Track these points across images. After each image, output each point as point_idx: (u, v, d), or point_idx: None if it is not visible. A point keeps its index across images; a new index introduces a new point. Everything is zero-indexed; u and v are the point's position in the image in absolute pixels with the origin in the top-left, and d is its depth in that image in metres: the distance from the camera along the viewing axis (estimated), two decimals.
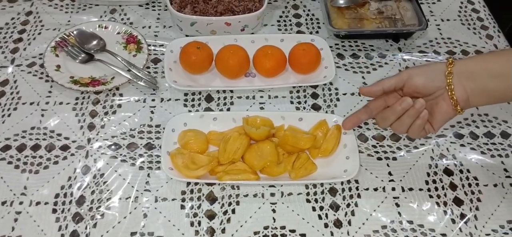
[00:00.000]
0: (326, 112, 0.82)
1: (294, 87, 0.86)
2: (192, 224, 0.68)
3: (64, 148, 0.76)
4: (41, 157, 0.75)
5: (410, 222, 0.70)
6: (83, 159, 0.74)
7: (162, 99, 0.83)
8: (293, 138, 0.74)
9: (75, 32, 0.89)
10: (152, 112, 0.81)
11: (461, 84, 0.63)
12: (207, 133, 0.77)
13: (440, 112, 0.65)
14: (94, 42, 0.88)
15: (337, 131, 0.76)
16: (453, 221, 0.70)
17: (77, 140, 0.77)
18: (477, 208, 0.72)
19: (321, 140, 0.76)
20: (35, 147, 0.76)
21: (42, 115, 0.80)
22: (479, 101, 0.64)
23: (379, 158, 0.77)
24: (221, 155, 0.73)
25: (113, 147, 0.76)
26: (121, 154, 0.75)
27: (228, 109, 0.82)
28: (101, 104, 0.82)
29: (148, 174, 0.73)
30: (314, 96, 0.85)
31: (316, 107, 0.84)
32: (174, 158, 0.72)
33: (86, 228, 0.67)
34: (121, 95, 0.83)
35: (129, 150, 0.76)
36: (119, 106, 0.82)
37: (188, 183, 0.72)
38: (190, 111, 0.81)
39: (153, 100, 0.83)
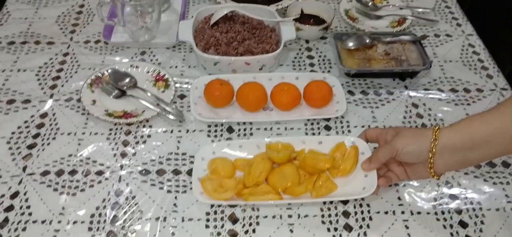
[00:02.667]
0: None
1: (308, 120, 0.93)
2: None
3: (99, 173, 0.83)
4: (78, 181, 0.82)
5: None
6: (116, 182, 0.81)
7: (187, 130, 0.91)
8: (313, 160, 0.80)
9: (109, 71, 0.98)
10: (178, 141, 0.89)
11: (442, 159, 0.69)
12: (233, 160, 0.84)
13: (416, 173, 0.75)
14: (127, 80, 0.97)
15: (354, 152, 0.81)
16: None
17: (110, 166, 0.84)
18: (481, 230, 0.77)
19: (339, 161, 0.82)
20: (72, 172, 0.83)
21: (79, 144, 0.87)
22: (456, 167, 0.75)
23: (390, 186, 0.83)
24: (246, 178, 0.79)
25: (143, 172, 0.83)
26: (150, 179, 0.82)
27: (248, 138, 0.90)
28: (132, 135, 0.89)
29: (176, 196, 0.80)
30: (327, 128, 0.92)
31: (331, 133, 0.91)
32: (204, 183, 0.78)
33: None
34: (150, 126, 0.91)
35: (158, 175, 0.83)
36: (149, 136, 0.89)
37: (212, 205, 0.78)
38: (213, 141, 0.89)
39: (179, 131, 0.91)
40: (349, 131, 0.92)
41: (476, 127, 0.68)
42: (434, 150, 0.69)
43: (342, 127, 0.92)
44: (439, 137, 0.69)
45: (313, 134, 0.91)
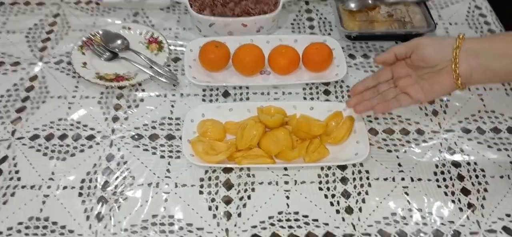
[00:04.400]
0: None
1: (307, 84, 0.90)
2: (210, 208, 0.72)
3: (90, 137, 0.80)
4: (68, 145, 0.79)
5: (419, 210, 0.73)
6: (108, 147, 0.79)
7: (181, 94, 0.88)
8: (307, 125, 0.78)
9: (100, 32, 0.95)
10: (172, 106, 0.86)
11: (466, 60, 0.66)
12: (224, 123, 0.81)
13: (440, 84, 0.68)
14: (119, 42, 0.93)
15: (349, 122, 0.79)
16: (461, 209, 0.73)
17: (102, 131, 0.81)
18: (484, 198, 0.74)
19: (333, 129, 0.80)
20: (62, 137, 0.80)
21: (69, 108, 0.85)
22: (481, 79, 0.67)
23: (389, 150, 0.80)
24: (239, 141, 0.77)
25: (135, 137, 0.81)
26: (143, 144, 0.80)
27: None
28: (124, 98, 0.86)
29: (169, 162, 0.77)
30: (326, 93, 0.89)
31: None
32: (195, 145, 0.76)
33: (110, 210, 0.71)
34: (143, 90, 0.88)
35: (151, 140, 0.80)
36: (142, 100, 0.86)
37: (206, 171, 0.76)
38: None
39: (173, 95, 0.87)
40: (349, 96, 0.88)
41: (499, 39, 0.68)
42: (459, 45, 0.66)
43: (341, 91, 0.89)
44: (463, 40, 0.67)
45: (312, 99, 0.88)
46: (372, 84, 0.76)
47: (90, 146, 0.79)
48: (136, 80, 0.87)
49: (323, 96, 0.88)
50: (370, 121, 0.84)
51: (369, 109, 0.74)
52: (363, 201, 0.73)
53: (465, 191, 0.75)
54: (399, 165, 0.78)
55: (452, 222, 0.71)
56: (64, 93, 0.87)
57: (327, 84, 0.90)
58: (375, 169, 0.77)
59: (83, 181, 0.75)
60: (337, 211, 0.72)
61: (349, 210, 0.72)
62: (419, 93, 0.70)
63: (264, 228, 0.70)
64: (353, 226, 0.71)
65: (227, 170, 0.76)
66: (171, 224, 0.70)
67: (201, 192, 0.74)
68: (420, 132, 0.83)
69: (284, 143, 0.76)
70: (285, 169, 0.76)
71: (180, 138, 0.80)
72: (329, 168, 0.77)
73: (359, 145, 0.78)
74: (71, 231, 0.69)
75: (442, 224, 0.71)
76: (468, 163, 0.78)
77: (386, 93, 0.74)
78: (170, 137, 0.81)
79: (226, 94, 0.88)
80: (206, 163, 0.74)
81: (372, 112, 0.77)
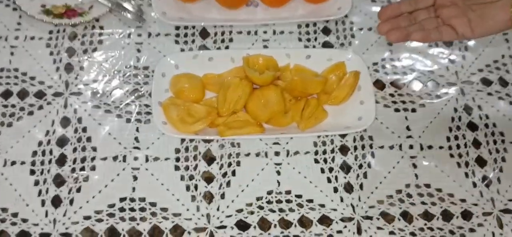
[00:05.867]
0: None
1: (303, 21, 0.74)
2: (188, 188, 0.61)
3: (39, 95, 0.66)
4: (13, 106, 0.65)
5: (428, 186, 0.63)
6: (62, 109, 0.65)
7: (149, 34, 0.72)
8: (302, 84, 0.65)
9: None
10: (138, 50, 0.70)
11: None
12: (202, 76, 0.67)
13: (493, 18, 0.57)
14: None
15: (354, 79, 0.66)
16: (474, 184, 0.64)
17: (53, 85, 0.67)
18: (501, 170, 0.65)
19: (333, 85, 0.67)
20: (6, 94, 0.66)
21: (12, 54, 0.69)
22: None
23: (397, 109, 0.68)
24: (221, 105, 0.64)
25: (95, 94, 0.67)
26: (104, 103, 0.66)
27: (227, 47, 0.72)
28: (79, 40, 0.71)
29: (137, 128, 0.65)
30: (326, 31, 0.74)
31: (328, 45, 0.73)
32: (167, 110, 0.63)
33: (69, 192, 0.60)
34: (101, 28, 0.72)
35: (113, 97, 0.67)
36: (100, 42, 0.71)
37: (183, 140, 0.64)
38: (182, 49, 0.71)
39: (139, 35, 0.72)
40: (352, 36, 0.74)
41: None
42: None
43: (344, 30, 0.74)
44: None
45: (308, 40, 0.73)
46: (408, 10, 0.63)
47: (40, 107, 0.65)
48: (91, 15, 0.70)
49: (322, 36, 0.73)
50: (376, 71, 0.71)
51: (405, 38, 0.61)
52: (365, 175, 0.64)
53: (481, 162, 0.65)
54: (408, 128, 0.67)
55: (464, 200, 0.63)
56: (4, 33, 0.71)
57: (327, 21, 0.74)
58: (379, 134, 0.66)
59: (34, 154, 0.62)
60: (335, 189, 0.63)
61: (348, 187, 0.63)
62: (466, 27, 0.58)
63: (252, 213, 0.60)
64: (353, 207, 0.62)
65: (207, 139, 0.65)
66: (143, 209, 0.60)
67: (177, 168, 0.63)
68: (433, 83, 0.71)
69: (275, 107, 0.64)
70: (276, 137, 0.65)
71: (150, 95, 0.66)
72: (326, 134, 0.66)
73: (363, 107, 0.66)
74: (24, 220, 0.58)
75: (452, 203, 0.62)
76: (486, 125, 0.68)
77: (426, 22, 0.61)
78: (137, 94, 0.67)
79: (204, 34, 0.73)
80: (181, 134, 0.62)
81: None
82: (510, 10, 0.55)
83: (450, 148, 0.66)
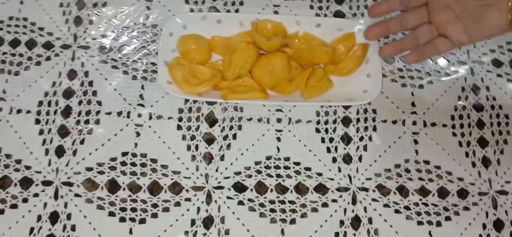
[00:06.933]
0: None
1: None
2: (188, 148, 0.62)
3: (47, 46, 0.67)
4: (21, 55, 0.66)
5: (427, 162, 0.63)
6: (69, 61, 0.66)
7: None
8: (310, 52, 0.65)
9: None
10: (148, 8, 0.70)
11: None
12: (210, 38, 0.67)
13: (489, 22, 0.54)
14: None
15: (362, 51, 0.66)
16: (474, 164, 0.64)
17: (61, 37, 0.67)
18: (501, 152, 0.65)
19: (341, 56, 0.67)
20: (15, 43, 0.67)
21: (21, 2, 0.69)
22: None
23: (404, 85, 0.68)
24: (226, 68, 0.64)
25: (102, 49, 0.67)
26: (112, 59, 0.66)
27: (237, 10, 0.71)
28: None
29: (142, 86, 0.65)
30: (339, 0, 0.73)
31: (339, 15, 0.72)
32: (173, 69, 0.63)
33: (73, 143, 0.61)
34: None
35: (121, 53, 0.67)
36: None
37: (187, 100, 0.65)
38: (192, 9, 0.70)
39: None
40: (365, 6, 0.72)
41: None
42: None
43: (357, 0, 0.73)
44: None
45: (320, 8, 0.72)
46: (398, 8, 0.61)
47: (48, 58, 0.66)
48: None
49: (334, 6, 0.72)
50: (387, 44, 0.70)
51: (399, 53, 0.60)
52: (365, 148, 0.64)
53: (483, 142, 0.65)
54: (413, 104, 0.67)
55: (461, 179, 0.63)
56: None
57: None
58: (384, 108, 0.66)
59: (40, 104, 0.63)
60: (334, 159, 0.63)
61: (347, 159, 0.63)
62: (461, 35, 0.56)
63: (249, 176, 0.61)
64: (350, 178, 0.62)
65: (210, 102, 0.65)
66: (143, 164, 0.61)
67: (179, 127, 0.63)
68: (443, 61, 0.70)
69: (280, 74, 0.64)
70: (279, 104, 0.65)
71: (156, 53, 0.66)
72: (330, 105, 0.66)
73: (369, 80, 0.65)
74: (27, 167, 0.60)
75: (450, 181, 0.63)
76: (492, 107, 0.67)
77: (419, 33, 0.60)
78: (144, 52, 0.67)
79: None
80: (185, 94, 0.63)
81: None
82: (508, 14, 0.52)
83: (453, 127, 0.66)
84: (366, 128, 0.65)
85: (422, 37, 0.60)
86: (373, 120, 0.65)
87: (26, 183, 0.59)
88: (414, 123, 0.66)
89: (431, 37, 0.59)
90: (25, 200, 0.59)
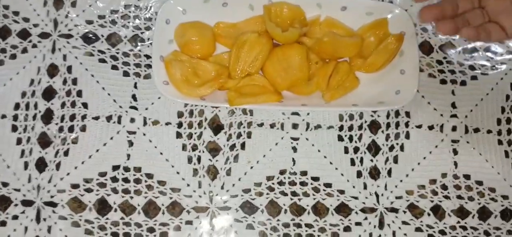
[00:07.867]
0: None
1: None
2: (190, 160, 0.54)
3: (23, 35, 0.57)
4: None
5: (467, 177, 0.55)
6: (49, 53, 0.56)
7: None
8: (332, 45, 0.54)
9: None
10: None
11: None
12: (214, 25, 0.56)
13: None
14: None
15: (396, 44, 0.54)
16: None
17: (39, 23, 0.57)
18: None
19: (371, 48, 0.56)
20: None
21: None
22: None
23: (443, 81, 0.57)
24: (233, 66, 0.54)
25: (89, 37, 0.57)
26: (99, 50, 0.56)
27: None
28: None
29: (135, 83, 0.55)
30: None
31: None
32: (170, 67, 0.53)
33: (56, 155, 0.53)
34: None
35: (110, 43, 0.57)
36: None
37: (186, 103, 0.55)
38: None
39: None
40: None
41: None
42: None
43: None
44: None
45: None
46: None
47: (25, 50, 0.56)
48: None
49: None
50: (424, 30, 0.59)
51: (455, 31, 0.49)
52: (395, 160, 0.55)
53: None
54: (453, 105, 0.57)
55: (506, 197, 0.54)
56: None
57: None
58: (419, 110, 0.56)
59: (17, 107, 0.54)
60: (359, 173, 0.54)
61: (374, 173, 0.54)
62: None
63: (260, 194, 0.53)
64: (377, 196, 0.54)
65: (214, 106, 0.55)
66: (138, 181, 0.53)
67: (178, 135, 0.54)
68: (489, 52, 0.59)
69: (298, 73, 0.53)
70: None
71: (151, 43, 0.56)
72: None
73: (403, 78, 0.54)
74: (5, 184, 0.52)
75: (492, 199, 0.54)
76: None
77: (470, 16, 0.49)
78: (137, 40, 0.57)
79: None
80: (185, 98, 0.53)
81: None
82: None
83: (499, 133, 0.56)
84: (397, 135, 0.55)
85: (473, 20, 0.49)
86: (406, 125, 0.56)
87: (3, 202, 0.52)
88: (454, 128, 0.56)
89: (482, 20, 0.48)
90: (3, 223, 0.51)
